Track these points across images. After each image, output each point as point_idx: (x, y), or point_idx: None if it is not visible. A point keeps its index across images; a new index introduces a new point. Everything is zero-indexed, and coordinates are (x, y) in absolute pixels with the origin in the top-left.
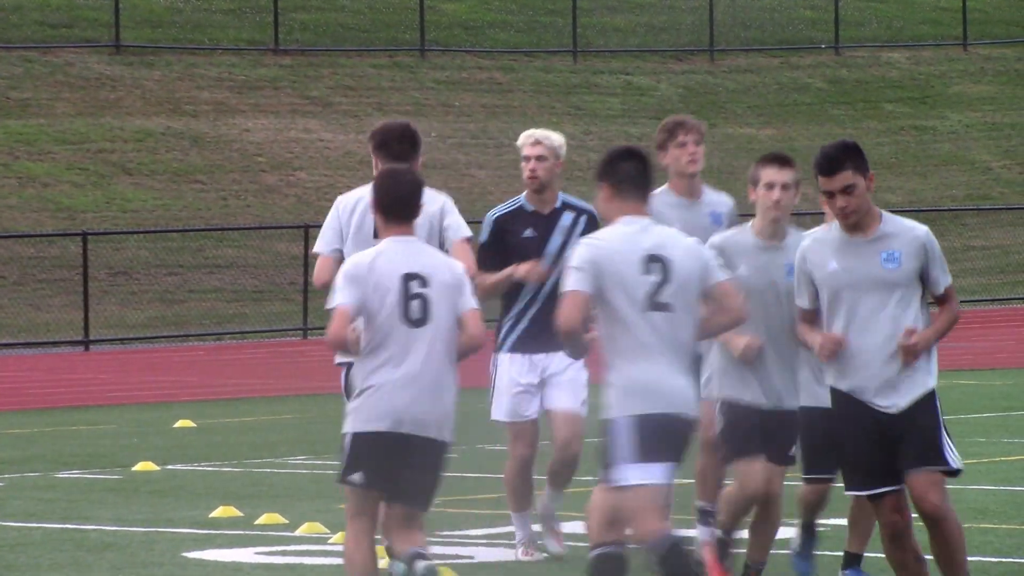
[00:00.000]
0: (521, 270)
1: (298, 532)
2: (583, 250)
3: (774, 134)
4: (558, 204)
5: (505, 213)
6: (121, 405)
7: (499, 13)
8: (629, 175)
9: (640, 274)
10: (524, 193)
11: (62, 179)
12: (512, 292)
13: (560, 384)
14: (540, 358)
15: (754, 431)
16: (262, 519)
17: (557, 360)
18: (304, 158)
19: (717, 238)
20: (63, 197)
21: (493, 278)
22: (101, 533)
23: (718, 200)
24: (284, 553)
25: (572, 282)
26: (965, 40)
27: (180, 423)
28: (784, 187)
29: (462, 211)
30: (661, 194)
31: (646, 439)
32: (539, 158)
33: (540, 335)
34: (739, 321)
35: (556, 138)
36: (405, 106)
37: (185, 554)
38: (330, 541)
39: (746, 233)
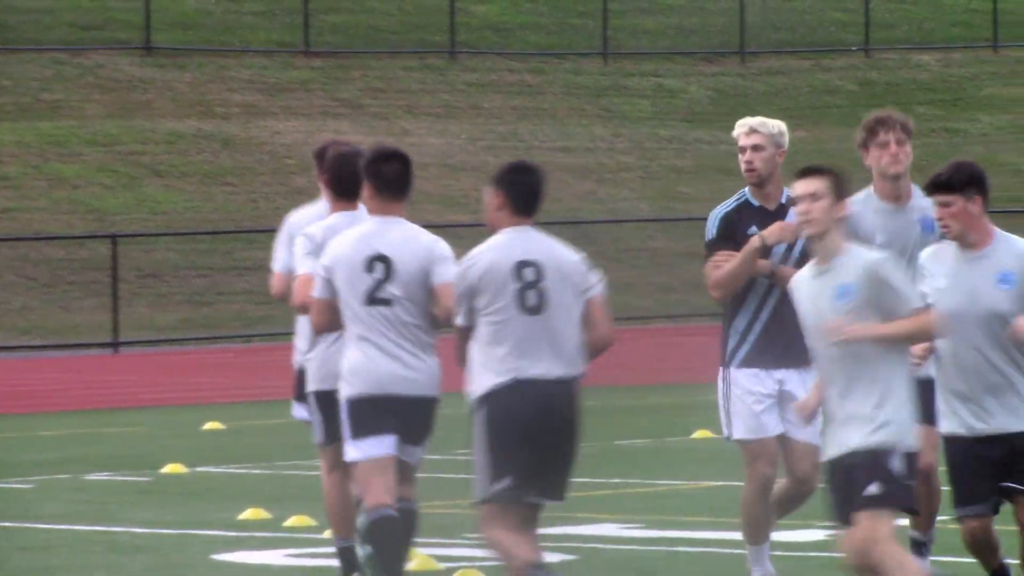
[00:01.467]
0: (769, 233)
1: (327, 534)
2: (322, 259)
3: (805, 136)
4: (783, 199)
5: (731, 209)
6: (151, 407)
7: (529, 15)
8: (388, 178)
9: (363, 272)
10: (748, 187)
11: (92, 181)
12: (737, 299)
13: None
14: (778, 373)
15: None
16: (291, 521)
17: (795, 378)
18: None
19: (926, 253)
20: (93, 199)
21: (731, 263)
22: (132, 535)
23: (929, 203)
24: (313, 555)
25: (314, 290)
26: (996, 42)
27: (209, 425)
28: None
29: (476, 213)
30: (865, 198)
31: (358, 418)
32: (755, 148)
33: (774, 347)
34: (448, 318)
35: (774, 125)
36: (435, 108)
37: (215, 556)
38: None
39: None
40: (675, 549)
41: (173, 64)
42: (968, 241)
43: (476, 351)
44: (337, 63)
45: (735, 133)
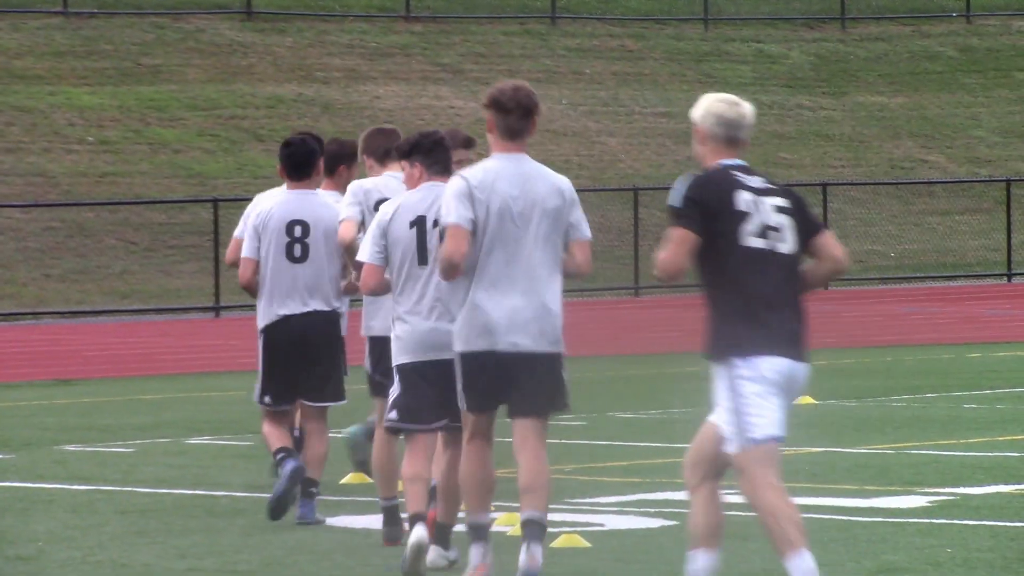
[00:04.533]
0: None
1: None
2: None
3: (905, 102)
4: None
5: None
6: (251, 371)
7: None
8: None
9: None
10: None
11: (193, 145)
12: None
13: None
14: None
15: None
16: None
17: None
18: (435, 125)
19: None
20: (194, 163)
21: None
22: (232, 499)
23: None
24: None
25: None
26: None
27: None
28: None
29: (592, 179)
30: None
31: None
32: None
33: None
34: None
35: None
36: (536, 73)
37: None
38: None
39: None
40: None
41: (273, 29)
42: None
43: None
44: (438, 28)
45: None
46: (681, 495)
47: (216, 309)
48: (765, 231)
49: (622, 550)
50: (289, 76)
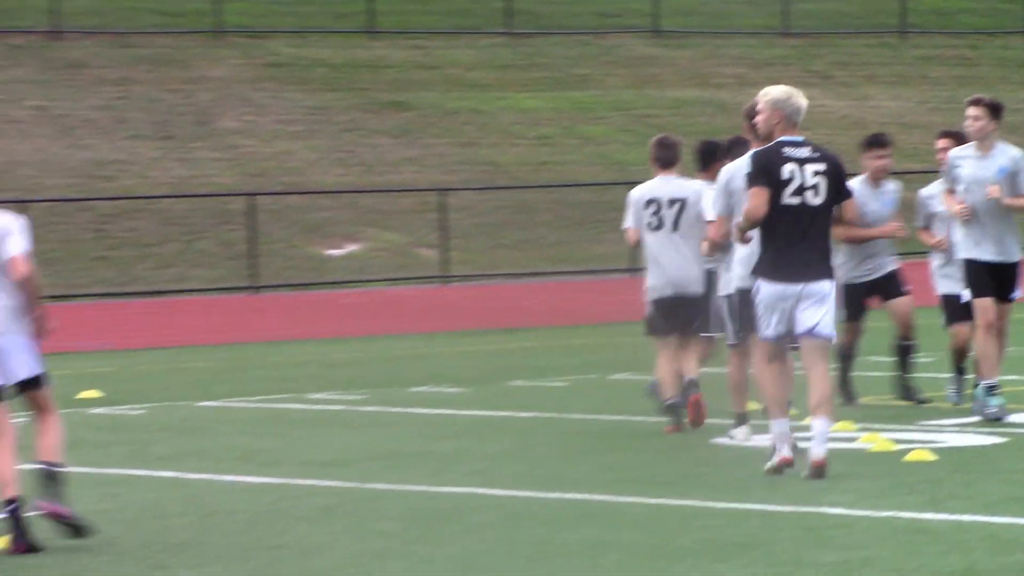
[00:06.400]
0: None
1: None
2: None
3: None
4: None
5: None
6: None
7: (967, 0)
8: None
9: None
10: None
11: (614, 139)
12: None
13: None
14: None
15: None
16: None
17: None
18: (808, 121)
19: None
20: (615, 154)
21: None
22: (646, 424)
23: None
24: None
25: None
26: None
27: None
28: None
29: (925, 162)
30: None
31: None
32: None
33: None
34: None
35: None
36: (889, 78)
37: (715, 440)
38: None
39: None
40: None
41: (677, 44)
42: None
43: None
44: (810, 42)
45: None
46: (1013, 418)
47: (632, 271)
48: (802, 191)
49: (963, 462)
50: (690, 82)
